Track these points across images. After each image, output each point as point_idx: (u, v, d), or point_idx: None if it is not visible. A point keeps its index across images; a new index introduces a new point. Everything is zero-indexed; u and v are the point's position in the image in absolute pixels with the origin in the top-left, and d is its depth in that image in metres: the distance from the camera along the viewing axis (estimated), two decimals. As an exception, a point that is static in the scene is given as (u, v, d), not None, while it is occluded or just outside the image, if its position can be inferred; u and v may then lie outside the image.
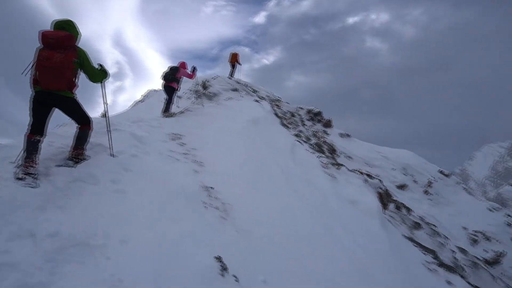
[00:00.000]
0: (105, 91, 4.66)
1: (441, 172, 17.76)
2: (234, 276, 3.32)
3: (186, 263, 3.14)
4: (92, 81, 4.25)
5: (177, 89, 10.21)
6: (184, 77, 10.39)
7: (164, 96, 10.30)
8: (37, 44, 3.67)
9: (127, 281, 2.60)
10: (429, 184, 16.31)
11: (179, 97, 11.51)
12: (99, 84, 4.50)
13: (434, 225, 10.41)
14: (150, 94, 29.47)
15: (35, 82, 3.73)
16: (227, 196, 5.14)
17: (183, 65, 10.31)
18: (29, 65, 3.67)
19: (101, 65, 4.42)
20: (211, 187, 5.14)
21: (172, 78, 9.82)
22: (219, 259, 3.38)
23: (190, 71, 10.71)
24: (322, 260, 4.68)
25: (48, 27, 3.88)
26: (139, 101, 30.14)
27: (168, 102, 10.03)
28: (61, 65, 3.62)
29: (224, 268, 3.29)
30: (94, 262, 2.70)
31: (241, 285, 3.29)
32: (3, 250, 2.45)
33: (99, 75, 4.26)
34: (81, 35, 4.07)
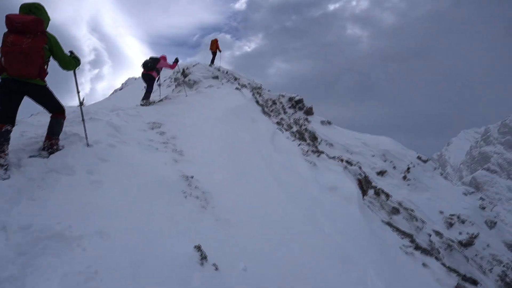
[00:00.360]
0: (77, 79, 4.51)
1: (419, 158, 18.25)
2: (214, 264, 3.33)
3: (165, 254, 3.13)
4: (64, 69, 4.08)
5: (156, 78, 10.24)
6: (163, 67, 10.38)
7: (144, 84, 10.14)
8: (4, 28, 3.49)
9: (103, 273, 2.57)
10: (408, 170, 16.74)
11: (159, 84, 11.31)
12: (71, 72, 4.33)
13: (412, 210, 10.74)
14: (129, 82, 28.86)
15: (1, 69, 3.56)
16: (207, 185, 5.12)
17: (163, 58, 10.31)
18: None
19: (71, 52, 4.24)
20: (191, 176, 5.10)
21: (151, 66, 9.79)
22: (198, 248, 3.38)
23: (172, 62, 10.81)
24: (303, 247, 4.76)
25: (15, 7, 3.70)
26: (119, 89, 29.51)
27: (147, 91, 9.96)
28: (30, 51, 3.45)
29: (203, 257, 3.29)
30: (70, 254, 2.65)
31: (221, 273, 3.31)
32: (-28, 245, 2.37)
33: (70, 62, 4.10)
34: (49, 20, 3.90)
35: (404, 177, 16.39)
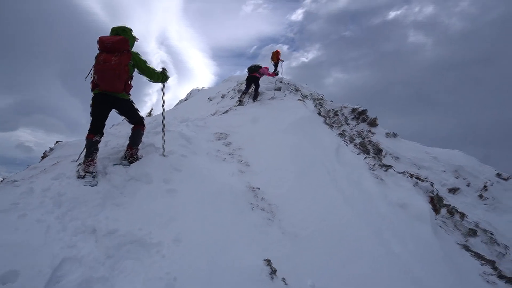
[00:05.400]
0: (164, 94, 4.87)
1: (498, 175, 16.51)
2: (283, 279, 3.30)
3: (237, 265, 3.16)
4: (151, 80, 4.44)
5: (259, 78, 12.39)
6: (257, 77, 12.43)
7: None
8: (88, 44, 3.88)
9: (182, 280, 2.67)
10: (485, 188, 15.23)
11: (223, 96, 11.80)
12: (156, 86, 4.69)
13: (491, 233, 9.70)
14: (193, 93, 30.17)
15: (94, 85, 3.94)
16: (273, 196, 5.13)
17: (267, 68, 12.82)
18: (90, 70, 3.89)
19: (163, 68, 4.63)
20: (257, 188, 5.15)
21: (254, 69, 12.15)
22: (268, 261, 3.37)
23: (274, 72, 13.51)
24: (371, 265, 4.53)
25: (98, 28, 4.13)
26: (183, 99, 31.01)
27: (256, 91, 12.42)
28: (117, 67, 3.78)
29: (273, 271, 3.28)
30: (150, 260, 2.81)
31: (290, 289, 3.27)
32: (70, 245, 2.61)
33: (155, 74, 4.43)
34: (135, 40, 4.25)
35: (480, 196, 14.93)
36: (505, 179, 16.32)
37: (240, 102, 12.19)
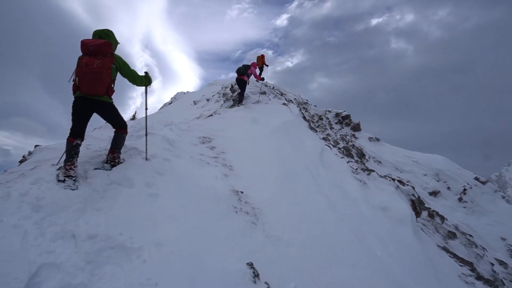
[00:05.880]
0: (147, 98, 4.84)
1: (477, 179, 16.97)
2: (266, 283, 3.30)
3: (219, 269, 3.16)
4: (134, 84, 4.40)
5: (247, 82, 12.57)
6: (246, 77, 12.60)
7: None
8: (70, 47, 3.82)
9: (163, 286, 2.64)
10: (464, 191, 15.63)
11: (208, 100, 11.79)
12: (141, 89, 4.64)
13: (470, 235, 9.95)
14: (178, 96, 29.93)
15: (76, 88, 3.87)
16: (256, 200, 5.14)
17: (254, 64, 12.65)
18: (73, 73, 3.82)
19: (146, 72, 4.60)
20: (241, 192, 5.16)
21: (243, 71, 12.14)
22: (251, 265, 3.38)
23: (260, 76, 13.53)
24: (353, 269, 4.59)
25: (80, 30, 4.04)
26: (168, 103, 30.74)
27: (241, 94, 12.55)
28: (100, 70, 3.73)
29: (256, 275, 3.28)
30: (131, 265, 2.77)
31: (273, 292, 3.27)
32: (48, 251, 2.56)
33: (139, 78, 4.39)
34: (118, 44, 4.20)
35: (460, 199, 15.31)
36: (483, 183, 16.78)
37: (234, 101, 12.58)
